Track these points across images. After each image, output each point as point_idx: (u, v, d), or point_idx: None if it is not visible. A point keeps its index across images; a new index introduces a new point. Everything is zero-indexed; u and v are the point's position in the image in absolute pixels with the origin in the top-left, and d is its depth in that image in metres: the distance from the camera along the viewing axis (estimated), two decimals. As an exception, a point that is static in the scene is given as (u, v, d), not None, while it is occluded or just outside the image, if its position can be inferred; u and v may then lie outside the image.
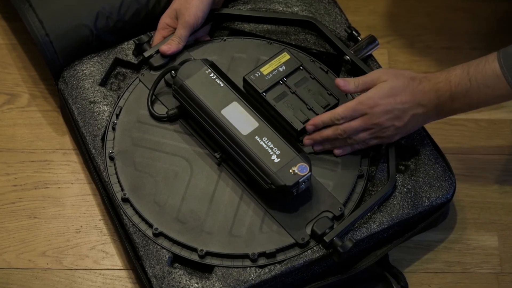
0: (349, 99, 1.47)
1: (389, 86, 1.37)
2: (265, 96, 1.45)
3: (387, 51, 1.75)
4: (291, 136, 1.43)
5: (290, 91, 1.46)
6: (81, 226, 1.50)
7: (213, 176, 1.42)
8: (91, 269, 1.47)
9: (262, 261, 1.36)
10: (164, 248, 1.36)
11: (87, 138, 1.47)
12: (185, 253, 1.36)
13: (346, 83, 1.40)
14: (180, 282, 1.33)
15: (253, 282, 1.33)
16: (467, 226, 1.53)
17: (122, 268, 1.47)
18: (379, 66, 1.55)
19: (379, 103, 1.36)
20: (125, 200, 1.40)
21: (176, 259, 1.37)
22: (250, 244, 1.36)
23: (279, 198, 1.38)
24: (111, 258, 1.47)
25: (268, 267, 1.34)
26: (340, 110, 1.39)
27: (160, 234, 1.37)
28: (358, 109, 1.38)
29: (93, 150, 1.46)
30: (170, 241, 1.37)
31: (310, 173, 1.35)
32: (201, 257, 1.35)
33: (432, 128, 1.53)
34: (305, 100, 1.46)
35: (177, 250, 1.36)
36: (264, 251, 1.35)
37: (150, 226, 1.38)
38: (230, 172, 1.43)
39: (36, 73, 1.68)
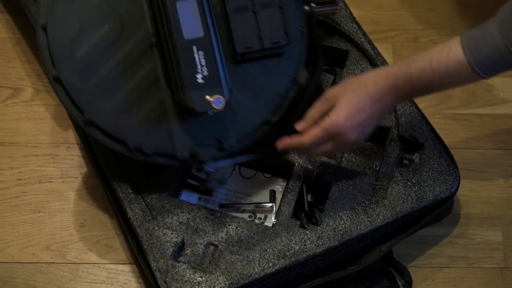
0: (300, 44, 1.44)
1: (349, 105, 1.32)
2: (227, 2, 1.37)
3: (392, 46, 1.75)
4: (229, 59, 1.38)
5: (253, 10, 1.38)
6: (85, 220, 1.51)
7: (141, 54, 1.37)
8: (95, 263, 1.47)
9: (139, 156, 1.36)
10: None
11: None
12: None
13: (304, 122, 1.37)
14: (184, 276, 1.33)
15: (257, 276, 1.33)
16: (472, 221, 1.53)
17: (126, 262, 1.47)
18: (384, 61, 1.55)
19: (344, 126, 1.31)
20: (56, 79, 1.35)
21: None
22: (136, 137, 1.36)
23: None
24: (115, 252, 1.48)
25: (272, 261, 1.34)
26: (308, 139, 1.34)
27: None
28: (325, 136, 1.33)
29: (97, 143, 1.46)
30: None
31: (223, 108, 1.30)
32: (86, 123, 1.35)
33: (437, 123, 1.53)
34: (260, 26, 1.38)
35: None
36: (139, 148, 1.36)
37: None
38: (157, 59, 1.38)
39: (40, 67, 1.68)
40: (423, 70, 1.28)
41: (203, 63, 1.30)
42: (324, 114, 1.33)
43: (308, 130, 1.35)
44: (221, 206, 1.47)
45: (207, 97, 1.29)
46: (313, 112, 1.35)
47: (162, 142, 1.37)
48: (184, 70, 1.29)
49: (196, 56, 1.30)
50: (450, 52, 1.26)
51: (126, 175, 1.43)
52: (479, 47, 1.24)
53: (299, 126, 1.36)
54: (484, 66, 1.25)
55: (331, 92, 1.34)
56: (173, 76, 1.33)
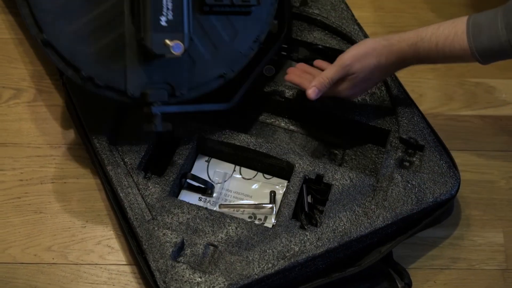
0: (269, 7, 1.49)
1: (359, 77, 1.43)
2: None
3: (394, 48, 1.75)
4: (198, 9, 1.40)
5: None
6: (87, 221, 1.51)
7: None
8: (96, 264, 1.47)
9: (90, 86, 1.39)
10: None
11: (92, 132, 1.48)
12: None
13: (316, 89, 1.44)
14: (183, 276, 1.33)
15: (256, 276, 1.33)
16: (473, 222, 1.53)
17: (127, 263, 1.47)
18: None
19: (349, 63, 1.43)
20: None
21: None
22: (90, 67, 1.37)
23: None
24: (116, 254, 1.48)
25: (272, 262, 1.34)
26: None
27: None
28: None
29: (98, 145, 1.46)
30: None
31: (181, 55, 1.32)
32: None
33: (438, 124, 1.53)
34: None
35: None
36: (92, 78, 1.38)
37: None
38: None
39: (42, 68, 1.69)
40: (430, 51, 1.38)
41: (170, 7, 1.32)
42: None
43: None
44: (221, 206, 1.48)
45: (167, 41, 1.31)
46: (327, 79, 1.44)
47: (115, 76, 1.39)
48: (150, 10, 1.31)
49: None
50: (456, 37, 1.34)
51: (128, 176, 1.44)
52: (482, 37, 1.32)
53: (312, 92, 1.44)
54: (484, 55, 1.33)
55: (345, 59, 1.43)
56: (137, 13, 1.34)
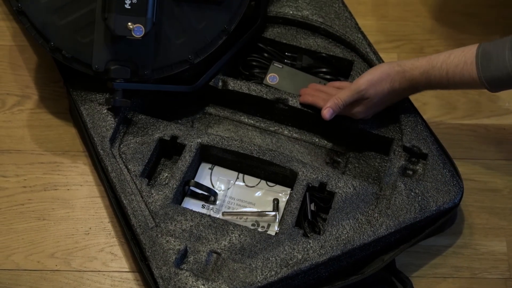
0: None
1: (373, 100, 1.47)
2: None
3: (397, 56, 1.76)
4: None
5: None
6: (90, 228, 1.51)
7: None
8: (99, 271, 1.47)
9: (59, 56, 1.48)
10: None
11: (95, 139, 1.48)
12: None
13: (331, 109, 1.48)
14: (186, 284, 1.33)
15: (259, 284, 1.33)
16: (476, 231, 1.53)
17: (130, 270, 1.47)
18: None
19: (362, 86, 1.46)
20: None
21: None
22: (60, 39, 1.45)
23: None
24: (119, 261, 1.48)
25: (275, 270, 1.35)
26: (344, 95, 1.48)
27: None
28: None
29: (101, 151, 1.46)
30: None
31: (140, 38, 1.40)
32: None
33: (441, 133, 1.53)
34: None
35: None
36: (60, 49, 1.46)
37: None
38: None
39: (46, 74, 1.69)
40: (441, 78, 1.42)
41: None
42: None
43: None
44: (225, 214, 1.48)
45: (129, 24, 1.39)
46: (342, 102, 1.47)
47: (82, 50, 1.46)
48: None
49: None
50: (465, 66, 1.38)
51: (131, 183, 1.44)
52: (491, 67, 1.35)
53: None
54: (493, 84, 1.37)
55: (360, 83, 1.46)
56: None
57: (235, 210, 1.49)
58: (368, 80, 1.45)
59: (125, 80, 1.47)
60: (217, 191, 1.50)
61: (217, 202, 1.50)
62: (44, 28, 1.45)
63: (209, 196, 1.49)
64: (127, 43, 1.45)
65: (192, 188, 1.49)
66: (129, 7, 1.40)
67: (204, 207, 1.49)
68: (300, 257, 1.36)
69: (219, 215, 1.48)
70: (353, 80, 1.53)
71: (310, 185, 1.45)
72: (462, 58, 1.39)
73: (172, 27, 1.49)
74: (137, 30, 1.39)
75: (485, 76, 1.36)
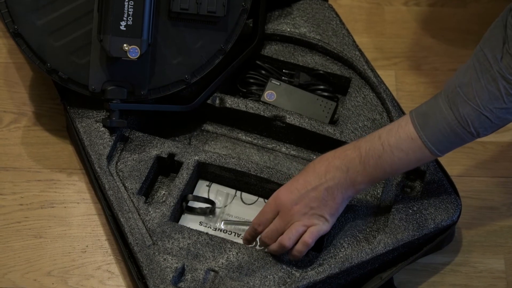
0: (237, 18, 1.51)
1: (288, 183, 1.37)
2: None
3: (394, 73, 1.76)
4: (166, 14, 1.47)
5: None
6: (87, 246, 1.50)
7: None
8: (96, 289, 1.47)
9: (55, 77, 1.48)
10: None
11: (92, 157, 1.48)
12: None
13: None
14: (183, 302, 1.33)
15: (257, 302, 1.33)
16: (474, 249, 1.52)
17: (127, 288, 1.47)
18: (387, 88, 1.56)
19: (281, 196, 1.35)
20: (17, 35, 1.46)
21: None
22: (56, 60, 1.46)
23: None
24: (116, 279, 1.47)
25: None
26: (255, 219, 1.39)
27: None
28: (268, 211, 1.37)
29: (98, 169, 1.46)
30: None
31: (137, 59, 1.41)
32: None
33: (439, 150, 1.53)
34: None
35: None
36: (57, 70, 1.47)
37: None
38: None
39: (43, 92, 1.69)
40: (372, 142, 1.31)
41: (131, 13, 1.40)
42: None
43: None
44: (226, 222, 1.48)
45: (125, 45, 1.40)
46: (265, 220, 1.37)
47: (79, 71, 1.47)
48: (111, 14, 1.40)
49: (126, 4, 1.40)
50: (400, 128, 1.29)
51: (128, 201, 1.44)
52: (429, 123, 1.27)
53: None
54: (436, 142, 1.28)
55: (276, 197, 1.37)
56: (100, 14, 1.42)
57: (235, 219, 1.49)
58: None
59: (121, 101, 1.48)
60: (215, 201, 1.50)
61: (216, 214, 1.49)
62: (40, 50, 1.46)
63: (207, 208, 1.48)
64: (123, 64, 1.46)
65: (190, 204, 1.48)
66: (125, 28, 1.41)
67: (201, 224, 1.48)
68: (298, 275, 1.36)
69: (218, 224, 1.48)
70: (350, 98, 1.54)
71: (308, 203, 1.45)
72: (395, 123, 1.31)
73: (168, 47, 1.49)
74: (132, 51, 1.40)
75: (426, 134, 1.27)
